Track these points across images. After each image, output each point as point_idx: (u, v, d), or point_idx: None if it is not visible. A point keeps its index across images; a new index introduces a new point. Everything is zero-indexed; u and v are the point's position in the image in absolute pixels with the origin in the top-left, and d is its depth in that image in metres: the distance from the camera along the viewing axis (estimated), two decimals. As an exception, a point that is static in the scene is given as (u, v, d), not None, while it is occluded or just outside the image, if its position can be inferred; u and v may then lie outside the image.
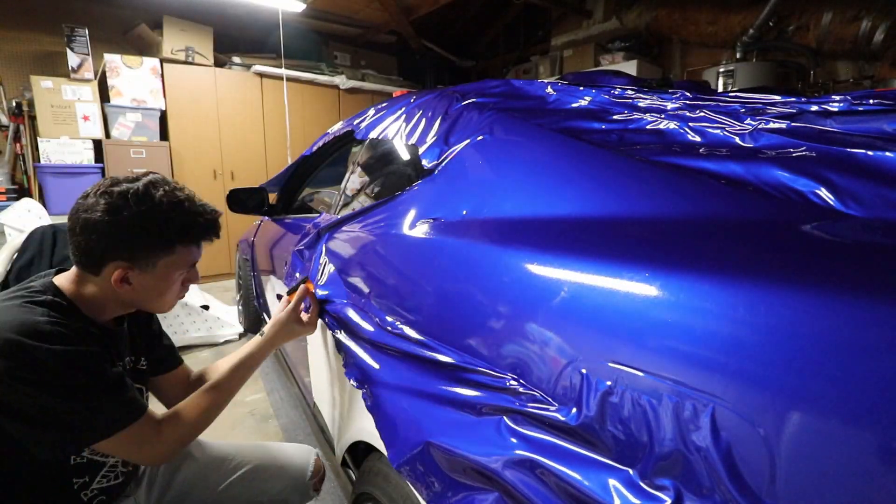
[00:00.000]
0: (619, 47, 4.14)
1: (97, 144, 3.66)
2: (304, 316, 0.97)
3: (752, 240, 0.41)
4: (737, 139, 0.59)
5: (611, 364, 0.40)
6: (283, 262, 1.53)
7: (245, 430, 1.91)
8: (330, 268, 1.01)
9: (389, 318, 0.73)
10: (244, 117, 4.43)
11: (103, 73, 3.68)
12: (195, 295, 2.83)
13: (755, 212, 0.44)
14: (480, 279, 0.58)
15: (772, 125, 0.61)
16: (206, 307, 2.76)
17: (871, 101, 0.67)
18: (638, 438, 0.37)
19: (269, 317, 2.04)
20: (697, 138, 0.63)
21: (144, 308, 0.83)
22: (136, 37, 4.03)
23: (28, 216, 2.61)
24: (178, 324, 2.62)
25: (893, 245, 0.35)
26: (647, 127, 0.69)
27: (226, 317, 2.86)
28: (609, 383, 0.40)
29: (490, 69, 5.99)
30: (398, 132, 1.08)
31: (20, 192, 3.57)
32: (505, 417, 0.49)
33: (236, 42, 4.56)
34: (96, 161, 3.65)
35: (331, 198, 1.89)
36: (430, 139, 0.91)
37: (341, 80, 4.85)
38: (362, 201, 1.42)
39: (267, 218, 2.16)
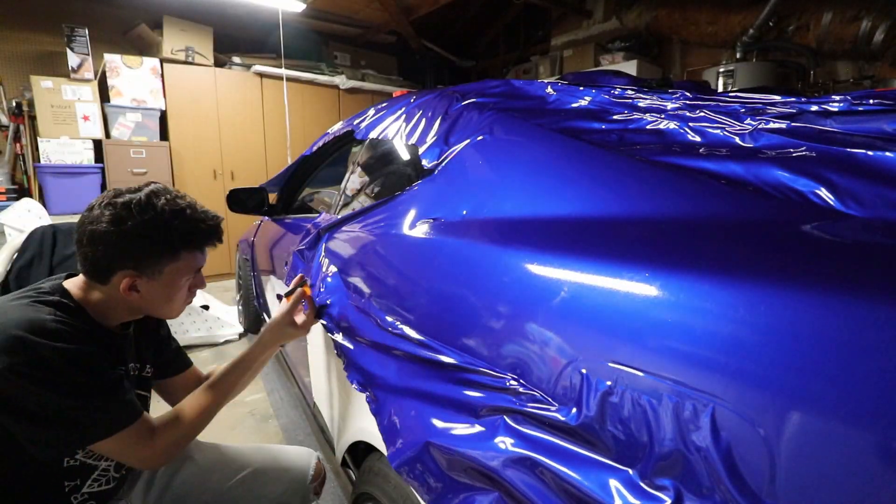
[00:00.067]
0: (619, 47, 4.14)
1: (97, 144, 3.66)
2: (301, 318, 0.97)
3: (752, 240, 0.41)
4: (737, 139, 0.59)
5: (611, 364, 0.40)
6: (283, 262, 1.53)
7: (245, 430, 1.91)
8: (331, 268, 1.01)
9: (389, 319, 0.73)
10: (244, 117, 4.43)
11: (103, 73, 3.68)
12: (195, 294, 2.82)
13: (755, 212, 0.44)
14: (480, 279, 0.58)
15: (772, 125, 0.61)
16: (206, 307, 2.76)
17: (871, 101, 0.67)
18: (638, 438, 0.37)
19: (270, 317, 2.04)
20: (697, 138, 0.63)
21: (153, 314, 0.85)
22: (136, 37, 4.02)
23: (28, 216, 2.61)
24: (178, 324, 2.62)
25: (893, 245, 0.35)
26: (647, 127, 0.69)
27: (226, 317, 2.87)
28: (609, 383, 0.40)
29: (490, 69, 5.99)
30: (398, 132, 1.08)
31: (20, 192, 3.56)
32: (505, 417, 0.49)
33: (236, 42, 4.56)
34: (96, 161, 3.65)
35: (331, 198, 1.89)
36: (430, 139, 0.91)
37: (341, 80, 4.85)
38: (362, 201, 1.42)
39: (267, 218, 2.16)
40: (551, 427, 0.44)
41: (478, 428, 0.52)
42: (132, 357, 0.87)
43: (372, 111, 1.40)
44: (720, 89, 2.90)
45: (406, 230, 0.79)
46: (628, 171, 0.56)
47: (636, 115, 0.75)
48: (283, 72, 4.21)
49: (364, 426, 0.86)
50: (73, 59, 3.52)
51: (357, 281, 0.89)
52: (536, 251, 0.53)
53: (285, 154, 4.46)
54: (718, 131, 0.62)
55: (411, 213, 0.80)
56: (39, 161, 3.46)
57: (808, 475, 0.29)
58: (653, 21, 3.95)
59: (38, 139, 3.43)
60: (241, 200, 1.92)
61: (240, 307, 2.89)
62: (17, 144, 3.57)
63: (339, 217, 1.10)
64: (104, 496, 0.83)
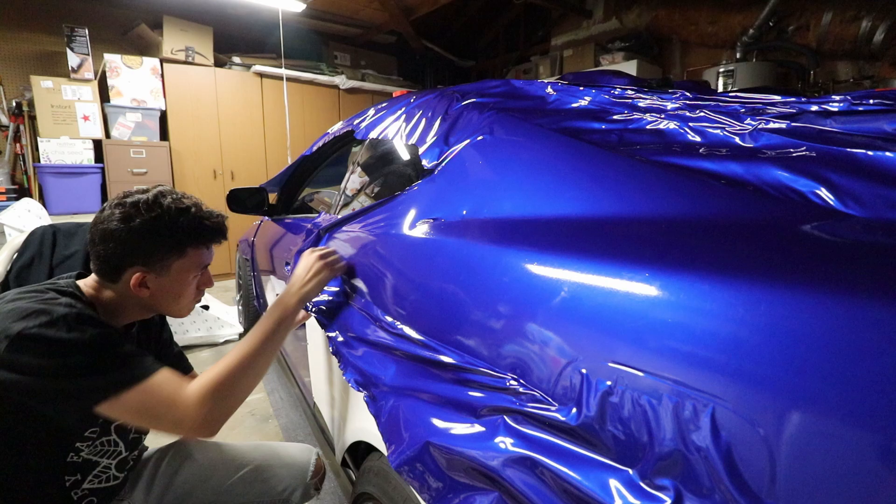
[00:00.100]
0: (619, 47, 4.14)
1: (97, 144, 3.66)
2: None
3: (752, 240, 0.41)
4: (737, 139, 0.59)
5: (611, 364, 0.40)
6: (283, 262, 1.53)
7: (245, 430, 1.91)
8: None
9: (389, 319, 0.73)
10: (244, 117, 4.44)
11: (103, 73, 3.68)
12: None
13: (755, 212, 0.44)
14: (480, 279, 0.58)
15: (772, 125, 0.61)
16: (206, 307, 2.76)
17: (871, 101, 0.67)
18: (638, 438, 0.37)
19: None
20: (697, 138, 0.63)
21: (164, 312, 0.87)
22: (136, 37, 4.03)
23: (28, 216, 2.61)
24: (178, 324, 2.62)
25: (893, 245, 0.35)
26: (647, 127, 0.69)
27: (226, 317, 2.87)
28: (609, 383, 0.40)
29: (490, 69, 5.99)
30: (398, 132, 1.08)
31: (20, 192, 3.57)
32: (505, 417, 0.49)
33: (236, 42, 4.56)
34: (96, 161, 3.65)
35: (331, 198, 1.89)
36: (430, 139, 0.91)
37: (341, 80, 4.86)
38: (362, 201, 1.42)
39: (267, 218, 2.16)
40: (551, 427, 0.44)
41: (478, 428, 0.52)
42: None
43: (372, 111, 1.40)
44: (720, 89, 2.90)
45: (406, 230, 0.79)
46: (628, 171, 0.56)
47: (636, 115, 0.75)
48: (283, 72, 4.21)
49: (364, 426, 0.86)
50: (73, 59, 3.52)
51: (357, 281, 0.89)
52: (536, 251, 0.53)
53: (285, 154, 4.46)
54: (718, 131, 0.62)
55: (411, 213, 0.80)
56: (39, 161, 3.46)
57: (808, 475, 0.29)
58: (653, 21, 3.95)
59: (38, 139, 3.43)
60: (241, 200, 1.92)
61: (240, 307, 2.89)
62: (17, 144, 3.58)
63: (339, 217, 1.10)
64: (105, 494, 0.84)
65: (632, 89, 1.05)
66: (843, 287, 0.32)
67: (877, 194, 0.40)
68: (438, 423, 0.57)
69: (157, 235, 0.78)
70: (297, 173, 2.01)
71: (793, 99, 0.80)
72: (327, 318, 0.94)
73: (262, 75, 4.44)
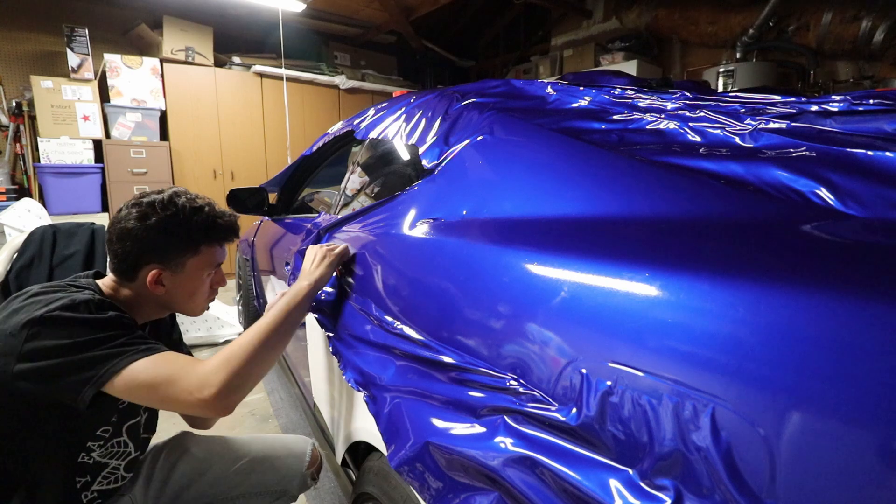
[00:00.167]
0: (619, 47, 4.14)
1: (97, 144, 3.66)
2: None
3: (752, 240, 0.41)
4: (737, 139, 0.59)
5: (611, 364, 0.40)
6: (284, 262, 1.53)
7: (245, 430, 1.91)
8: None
9: (389, 319, 0.73)
10: (244, 117, 4.44)
11: (103, 73, 3.68)
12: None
13: (755, 212, 0.44)
14: (480, 279, 0.58)
15: (772, 125, 0.61)
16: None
17: (871, 101, 0.67)
18: (638, 438, 0.37)
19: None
20: (697, 138, 0.63)
21: (178, 310, 0.89)
22: (136, 37, 4.03)
23: (28, 216, 2.61)
24: (179, 324, 2.62)
25: (893, 245, 0.35)
26: (647, 127, 0.69)
27: (226, 317, 2.87)
28: (609, 383, 0.40)
29: (490, 69, 5.99)
30: (398, 132, 1.08)
31: (20, 192, 3.57)
32: (505, 417, 0.49)
33: (236, 42, 4.56)
34: (96, 161, 3.65)
35: (331, 198, 1.89)
36: (430, 139, 0.91)
37: (341, 80, 4.86)
38: (362, 201, 1.42)
39: (267, 218, 2.16)
40: (551, 427, 0.44)
41: (478, 428, 0.52)
42: None
43: (372, 111, 1.40)
44: (720, 89, 2.90)
45: (406, 230, 0.79)
46: (628, 171, 0.56)
47: (636, 115, 0.75)
48: (283, 72, 4.21)
49: (364, 426, 0.86)
50: (73, 59, 3.52)
51: (356, 280, 0.89)
52: (536, 251, 0.53)
53: (285, 154, 4.46)
54: (718, 131, 0.62)
55: (411, 213, 0.80)
56: (39, 161, 3.46)
57: (808, 475, 0.29)
58: (653, 21, 3.95)
59: (38, 139, 3.43)
60: (241, 200, 1.92)
61: (240, 307, 2.89)
62: (17, 144, 3.58)
63: (339, 217, 1.10)
64: (112, 494, 0.84)
65: (632, 89, 1.05)
66: (844, 287, 0.32)
67: (877, 194, 0.40)
68: (438, 423, 0.57)
69: (173, 234, 0.81)
70: (297, 173, 2.01)
71: (793, 99, 0.80)
72: (327, 318, 0.94)
73: (262, 75, 4.44)
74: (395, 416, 0.66)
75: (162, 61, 3.88)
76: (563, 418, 0.43)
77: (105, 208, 3.74)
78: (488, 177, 0.72)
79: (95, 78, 3.63)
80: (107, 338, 0.69)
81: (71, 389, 0.67)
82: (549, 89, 0.94)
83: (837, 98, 0.70)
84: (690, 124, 0.66)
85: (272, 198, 2.08)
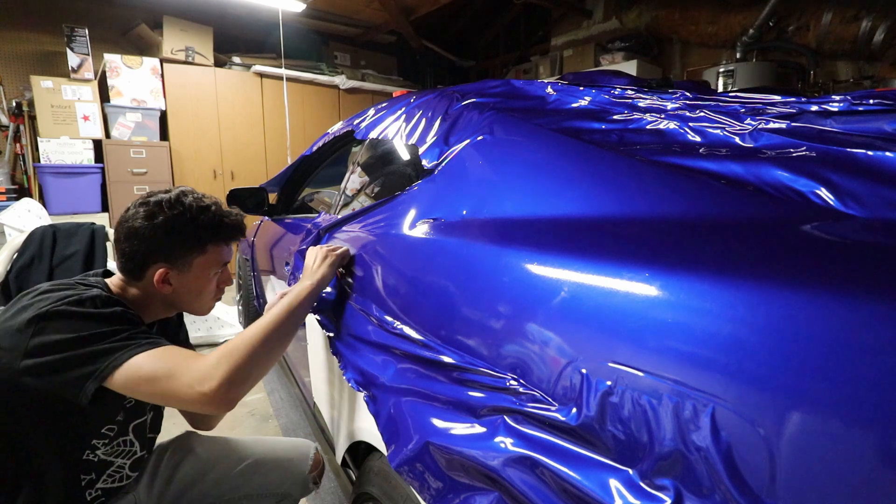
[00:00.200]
0: (619, 47, 4.14)
1: (97, 144, 3.66)
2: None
3: (752, 240, 0.41)
4: (737, 139, 0.59)
5: (611, 364, 0.40)
6: (283, 262, 1.53)
7: (245, 430, 1.91)
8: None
9: (389, 319, 0.73)
10: (244, 117, 4.43)
11: (103, 73, 3.68)
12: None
13: (755, 212, 0.44)
14: (480, 279, 0.58)
15: (772, 125, 0.61)
16: (206, 307, 2.76)
17: (871, 101, 0.67)
18: (638, 438, 0.37)
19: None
20: (697, 138, 0.63)
21: (186, 309, 0.89)
22: (136, 37, 4.02)
23: (28, 216, 2.61)
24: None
25: (893, 245, 0.35)
26: (647, 127, 0.69)
27: (226, 317, 2.87)
28: (609, 383, 0.40)
29: (490, 69, 5.99)
30: (398, 132, 1.08)
31: (20, 192, 3.56)
32: (505, 417, 0.49)
33: (236, 42, 4.56)
34: (96, 161, 3.65)
35: (331, 198, 1.89)
36: (430, 139, 0.91)
37: (341, 80, 4.85)
38: (362, 201, 1.42)
39: (267, 218, 2.16)
40: (551, 427, 0.44)
41: (478, 428, 0.52)
42: None
43: (372, 111, 1.40)
44: (720, 89, 2.90)
45: (406, 230, 0.79)
46: (628, 171, 0.56)
47: (636, 115, 0.75)
48: (283, 72, 4.21)
49: (364, 426, 0.86)
50: (73, 59, 3.52)
51: (356, 280, 0.89)
52: (536, 251, 0.53)
53: (285, 154, 4.46)
54: (718, 131, 0.62)
55: (411, 213, 0.80)
56: (39, 161, 3.46)
57: (808, 475, 0.29)
58: (653, 21, 3.95)
59: (38, 139, 3.43)
60: (241, 200, 1.91)
61: (240, 307, 2.89)
62: (17, 144, 3.57)
63: (339, 217, 1.10)
64: (116, 493, 0.84)
65: (632, 89, 1.05)
66: (843, 287, 0.32)
67: (877, 194, 0.40)
68: (438, 423, 0.57)
69: (180, 232, 0.81)
70: (297, 173, 2.01)
71: (793, 99, 0.80)
72: (328, 318, 0.94)
73: (262, 75, 4.44)
74: (396, 416, 0.66)
75: (162, 61, 3.87)
76: (563, 418, 0.43)
77: (105, 208, 3.74)
78: (488, 177, 0.72)
79: (95, 78, 3.63)
80: (110, 332, 0.70)
81: (73, 384, 0.67)
82: (549, 89, 0.94)
83: (837, 98, 0.70)
84: (690, 124, 0.66)
85: (272, 198, 2.08)
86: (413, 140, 0.97)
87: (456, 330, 0.60)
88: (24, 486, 0.72)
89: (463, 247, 0.64)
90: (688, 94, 0.97)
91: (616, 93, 0.94)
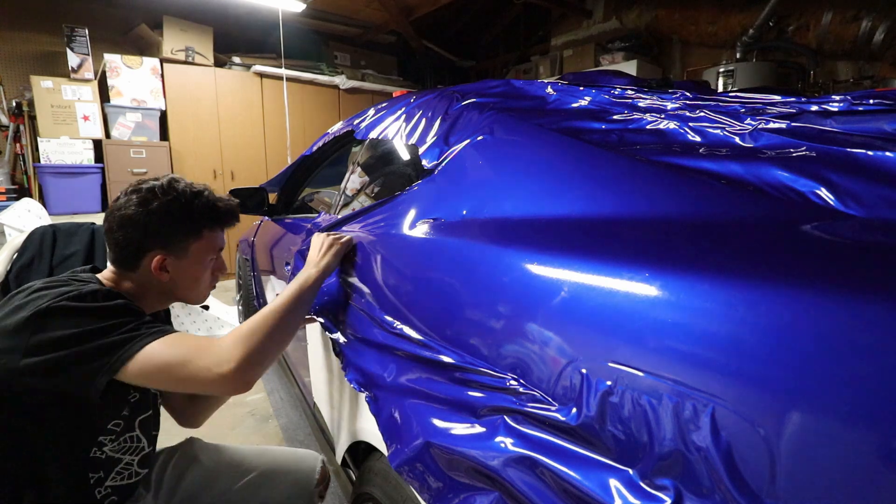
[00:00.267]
0: (619, 47, 4.14)
1: (97, 144, 3.66)
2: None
3: (753, 240, 0.41)
4: (737, 139, 0.59)
5: (611, 364, 0.40)
6: (284, 262, 1.53)
7: (245, 430, 1.91)
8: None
9: (389, 319, 0.73)
10: (244, 117, 4.44)
11: (103, 73, 3.68)
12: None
13: (755, 212, 0.44)
14: (480, 279, 0.58)
15: (772, 125, 0.61)
16: (206, 307, 2.76)
17: (871, 101, 0.67)
18: (638, 438, 0.37)
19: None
20: (697, 138, 0.63)
21: (182, 297, 0.88)
22: (136, 37, 4.03)
23: (28, 216, 2.61)
24: (179, 324, 2.62)
25: (893, 245, 0.35)
26: (647, 127, 0.69)
27: (226, 317, 2.87)
28: (609, 383, 0.40)
29: (490, 69, 5.99)
30: (398, 132, 1.08)
31: (20, 192, 3.56)
32: (505, 417, 0.49)
33: (236, 42, 4.56)
34: (96, 161, 3.65)
35: (331, 198, 1.89)
36: (430, 139, 0.91)
37: (341, 80, 4.86)
38: (362, 201, 1.42)
39: (267, 218, 2.16)
40: (551, 427, 0.44)
41: (478, 428, 0.52)
42: None
43: (372, 111, 1.40)
44: (720, 89, 2.90)
45: (406, 230, 0.79)
46: (628, 171, 0.56)
47: (636, 115, 0.75)
48: (283, 72, 4.21)
49: (364, 426, 0.86)
50: (73, 59, 3.52)
51: (357, 281, 0.89)
52: (536, 251, 0.53)
53: (285, 154, 4.46)
54: (718, 131, 0.62)
55: (411, 213, 0.80)
56: (39, 161, 3.46)
57: (808, 475, 0.29)
58: (653, 21, 3.95)
59: (38, 139, 3.43)
60: (242, 200, 1.91)
61: (240, 307, 2.89)
62: (17, 144, 3.58)
63: (339, 217, 1.10)
64: (125, 492, 0.84)
65: (632, 89, 1.05)
66: (843, 287, 0.32)
67: (877, 194, 0.40)
68: (439, 423, 0.57)
69: (175, 217, 0.80)
70: (297, 173, 2.01)
71: (793, 99, 0.81)
72: (329, 319, 0.94)
73: (262, 75, 4.44)
74: (396, 416, 0.66)
75: (162, 61, 3.88)
76: (563, 418, 0.43)
77: (105, 208, 3.73)
78: (488, 177, 0.72)
79: (95, 78, 3.63)
80: (117, 325, 0.69)
81: (83, 379, 0.66)
82: (549, 89, 0.94)
83: (837, 98, 0.70)
84: (690, 124, 0.66)
85: (272, 198, 2.08)
86: (413, 140, 0.97)
87: (456, 330, 0.60)
88: (30, 488, 0.71)
89: (463, 247, 0.64)
90: (688, 94, 0.97)
91: (616, 93, 0.94)
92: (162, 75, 3.88)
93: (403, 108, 1.14)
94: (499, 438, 0.49)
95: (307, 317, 0.96)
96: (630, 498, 0.37)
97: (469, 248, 0.63)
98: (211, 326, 2.73)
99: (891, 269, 0.32)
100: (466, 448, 0.51)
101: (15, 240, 2.13)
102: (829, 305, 0.31)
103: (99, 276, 0.82)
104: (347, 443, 0.98)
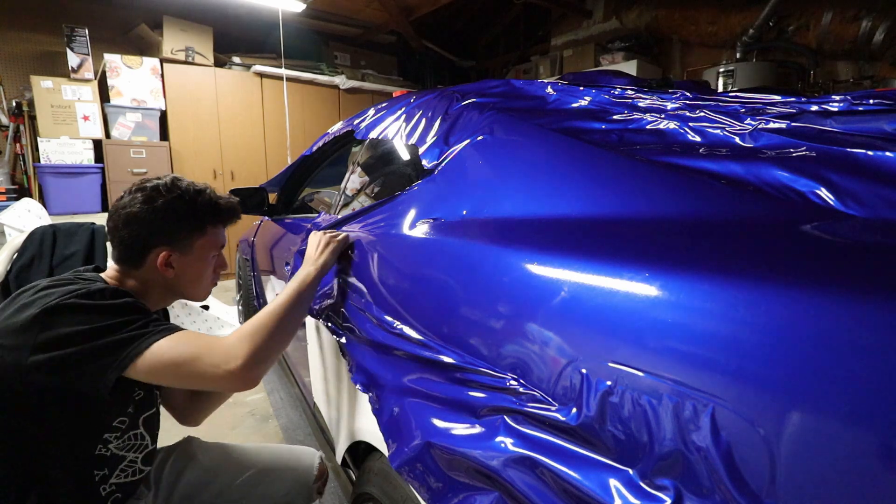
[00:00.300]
0: (619, 47, 4.14)
1: (97, 144, 3.66)
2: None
3: (753, 240, 0.41)
4: (737, 139, 0.59)
5: (611, 364, 0.40)
6: (284, 262, 1.53)
7: (245, 430, 1.91)
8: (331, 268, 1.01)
9: (389, 319, 0.73)
10: (244, 117, 4.43)
11: (103, 73, 3.68)
12: (195, 295, 2.83)
13: (755, 212, 0.44)
14: (480, 279, 0.58)
15: (772, 125, 0.61)
16: (206, 307, 2.76)
17: (871, 101, 0.67)
18: (638, 438, 0.37)
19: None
20: (697, 138, 0.63)
21: (184, 293, 0.89)
22: (136, 37, 4.03)
23: (28, 216, 2.61)
24: (179, 324, 2.61)
25: (893, 245, 0.35)
26: (647, 127, 0.69)
27: (226, 317, 2.86)
28: (609, 383, 0.40)
29: (490, 69, 5.99)
30: (398, 132, 1.08)
31: (20, 192, 3.56)
32: (505, 417, 0.49)
33: (236, 42, 4.56)
34: (96, 161, 3.65)
35: (331, 198, 1.89)
36: (430, 139, 0.91)
37: (341, 80, 4.85)
38: (362, 201, 1.42)
39: (267, 218, 2.16)
40: (551, 427, 0.45)
41: (478, 428, 0.52)
42: None
43: (372, 111, 1.40)
44: (720, 89, 2.90)
45: (406, 230, 0.79)
46: (628, 171, 0.56)
47: (636, 115, 0.75)
48: (283, 72, 4.21)
49: (364, 426, 0.86)
50: (73, 59, 3.52)
51: (357, 281, 0.89)
52: (536, 251, 0.53)
53: (285, 154, 4.46)
54: (718, 131, 0.62)
55: (411, 213, 0.80)
56: (39, 161, 3.46)
57: (808, 475, 0.29)
58: (653, 21, 3.95)
59: (38, 139, 3.43)
60: (241, 200, 1.89)
61: (240, 307, 2.89)
62: (17, 144, 3.58)
63: (339, 217, 1.10)
64: (129, 488, 0.84)
65: (632, 89, 1.05)
66: (843, 287, 0.32)
67: (877, 194, 0.40)
68: (439, 423, 0.57)
69: (180, 214, 0.83)
70: (297, 173, 2.01)
71: (793, 99, 0.81)
72: (334, 321, 0.94)
73: (262, 75, 4.44)
74: (397, 416, 0.66)
75: (162, 61, 3.87)
76: (563, 418, 0.43)
77: (105, 208, 3.74)
78: (488, 177, 0.72)
79: (95, 78, 3.63)
80: (126, 322, 0.70)
81: (92, 376, 0.67)
82: (549, 89, 0.94)
83: (837, 98, 0.70)
84: (690, 124, 0.66)
85: (272, 198, 2.08)
86: (413, 140, 0.97)
87: (456, 330, 0.60)
88: (35, 488, 0.71)
89: (463, 247, 0.64)
90: (688, 94, 0.97)
91: (616, 93, 0.94)
92: (162, 75, 3.88)
93: (403, 108, 1.14)
94: (499, 438, 0.49)
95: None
96: (630, 498, 0.37)
97: (469, 248, 0.63)
98: (211, 326, 2.73)
99: (891, 269, 0.32)
100: (467, 448, 0.51)
101: (15, 240, 2.13)
102: (828, 305, 0.31)
103: (102, 275, 0.83)
104: (347, 443, 0.98)
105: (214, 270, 0.92)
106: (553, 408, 0.45)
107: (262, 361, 0.71)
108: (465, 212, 0.70)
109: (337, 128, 1.67)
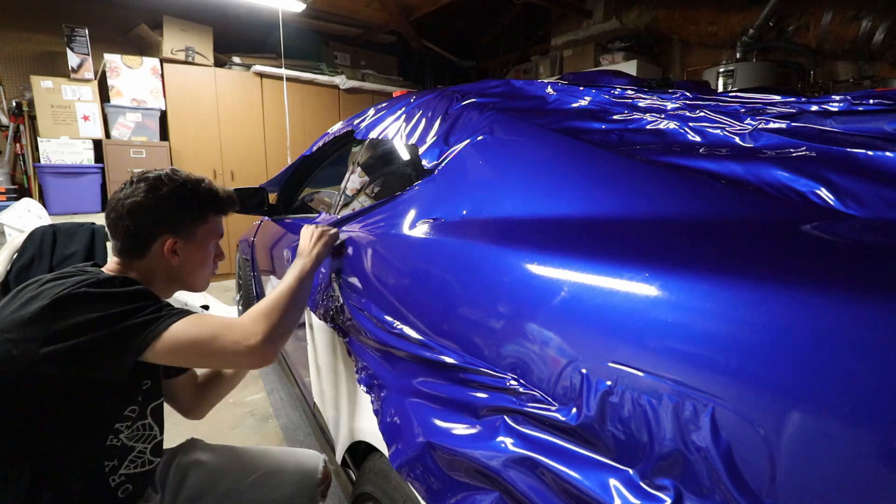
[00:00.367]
0: (619, 47, 4.14)
1: (97, 144, 3.66)
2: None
3: (752, 240, 0.41)
4: (737, 139, 0.59)
5: (611, 364, 0.40)
6: (284, 262, 1.53)
7: (245, 430, 1.91)
8: (331, 268, 1.01)
9: (389, 319, 0.73)
10: (244, 117, 4.43)
11: (103, 73, 3.68)
12: (195, 295, 2.83)
13: (755, 212, 0.44)
14: (480, 279, 0.58)
15: (772, 125, 0.61)
16: (206, 307, 2.76)
17: (871, 101, 0.67)
18: (638, 438, 0.38)
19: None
20: (697, 138, 0.63)
21: (186, 282, 0.91)
22: (136, 37, 4.03)
23: (28, 216, 2.61)
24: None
25: (893, 245, 0.35)
26: (647, 127, 0.69)
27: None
28: (609, 383, 0.40)
29: (490, 69, 5.99)
30: (398, 132, 1.08)
31: (20, 192, 3.56)
32: (505, 417, 0.50)
33: (236, 42, 4.55)
34: (96, 161, 3.65)
35: (331, 198, 1.89)
36: (430, 139, 0.91)
37: (341, 80, 4.85)
38: (362, 201, 1.42)
39: (267, 218, 2.15)
40: (551, 427, 0.45)
41: (478, 428, 0.52)
42: None
43: (372, 111, 1.40)
44: (720, 89, 2.90)
45: (406, 230, 0.79)
46: (628, 171, 0.56)
47: (636, 115, 0.75)
48: (283, 72, 4.21)
49: (364, 426, 0.86)
50: (73, 59, 3.52)
51: (357, 281, 0.89)
52: (536, 251, 0.53)
53: (285, 154, 4.45)
54: (718, 131, 0.62)
55: (411, 213, 0.80)
56: (39, 161, 3.46)
57: (808, 475, 0.29)
58: (653, 21, 3.95)
59: (38, 139, 3.43)
60: (242, 200, 1.91)
61: (240, 307, 2.89)
62: (17, 144, 3.58)
63: (339, 217, 1.10)
64: (138, 480, 0.84)
65: (632, 89, 1.05)
66: (843, 287, 0.32)
67: (877, 194, 0.40)
68: (439, 423, 0.57)
69: (184, 202, 0.85)
70: (297, 173, 2.01)
71: (793, 99, 0.80)
72: (337, 321, 0.94)
73: (262, 75, 4.44)
74: (397, 416, 0.66)
75: (162, 61, 3.87)
76: (563, 418, 0.43)
77: (105, 208, 3.74)
78: (488, 177, 0.72)
79: (95, 78, 3.63)
80: (139, 308, 0.71)
81: (109, 362, 0.67)
82: (549, 89, 0.94)
83: (837, 98, 0.70)
84: (690, 124, 0.66)
85: (272, 198, 2.08)
86: (413, 140, 0.97)
87: (456, 330, 0.60)
88: (46, 478, 0.71)
89: (463, 247, 0.64)
90: (688, 94, 0.97)
91: (616, 93, 0.94)
92: (162, 75, 3.88)
93: (403, 108, 1.14)
94: (499, 438, 0.49)
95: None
96: (630, 498, 0.37)
97: (469, 248, 0.63)
98: (211, 326, 2.73)
99: (891, 269, 0.32)
100: (467, 448, 0.51)
101: (15, 240, 2.13)
102: (828, 305, 0.31)
103: (104, 268, 0.83)
104: (347, 443, 0.98)
105: (214, 260, 0.94)
106: (553, 408, 0.45)
107: (278, 338, 0.74)
108: (465, 212, 0.70)
109: (337, 128, 1.67)
